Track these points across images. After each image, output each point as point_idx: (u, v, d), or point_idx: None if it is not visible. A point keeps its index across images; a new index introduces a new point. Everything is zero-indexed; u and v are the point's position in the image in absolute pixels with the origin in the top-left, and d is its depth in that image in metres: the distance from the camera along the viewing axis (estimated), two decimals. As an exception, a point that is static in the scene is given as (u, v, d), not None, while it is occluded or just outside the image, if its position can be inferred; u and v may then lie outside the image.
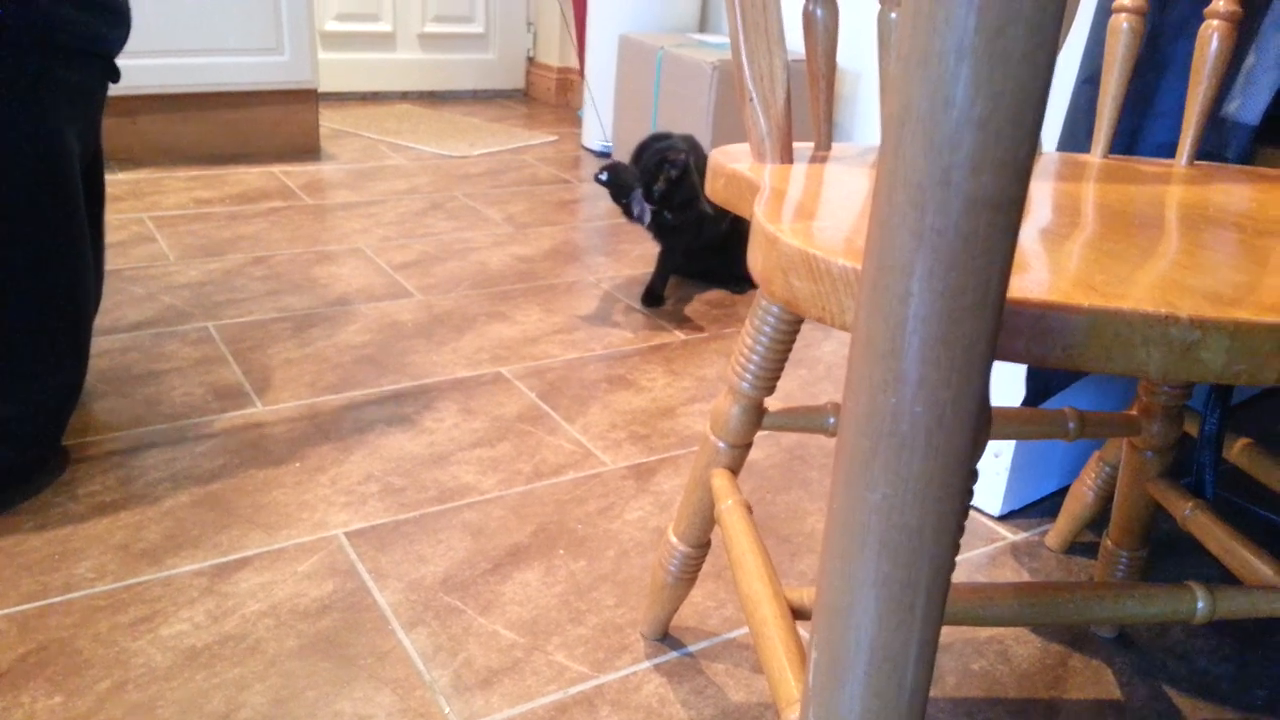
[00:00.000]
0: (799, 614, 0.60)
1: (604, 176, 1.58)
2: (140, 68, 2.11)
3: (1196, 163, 0.71)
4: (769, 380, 0.69)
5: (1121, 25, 0.69)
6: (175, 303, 1.50)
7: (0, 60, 0.92)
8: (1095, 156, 0.71)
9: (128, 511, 0.99)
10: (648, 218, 1.56)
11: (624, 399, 1.30)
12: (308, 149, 2.40)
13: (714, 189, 0.62)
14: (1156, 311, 0.34)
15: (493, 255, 1.81)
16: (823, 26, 0.65)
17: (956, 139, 0.26)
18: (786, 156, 0.61)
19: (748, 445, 0.74)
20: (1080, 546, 1.03)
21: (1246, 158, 0.76)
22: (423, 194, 2.16)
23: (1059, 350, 0.35)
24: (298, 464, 1.09)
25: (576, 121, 3.00)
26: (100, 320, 1.42)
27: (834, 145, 0.69)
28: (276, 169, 2.25)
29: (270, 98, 2.30)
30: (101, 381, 1.25)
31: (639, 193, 1.56)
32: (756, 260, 0.44)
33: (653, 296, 1.63)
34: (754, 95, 0.59)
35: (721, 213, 1.66)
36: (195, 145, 2.26)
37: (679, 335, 1.52)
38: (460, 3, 3.10)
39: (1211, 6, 0.67)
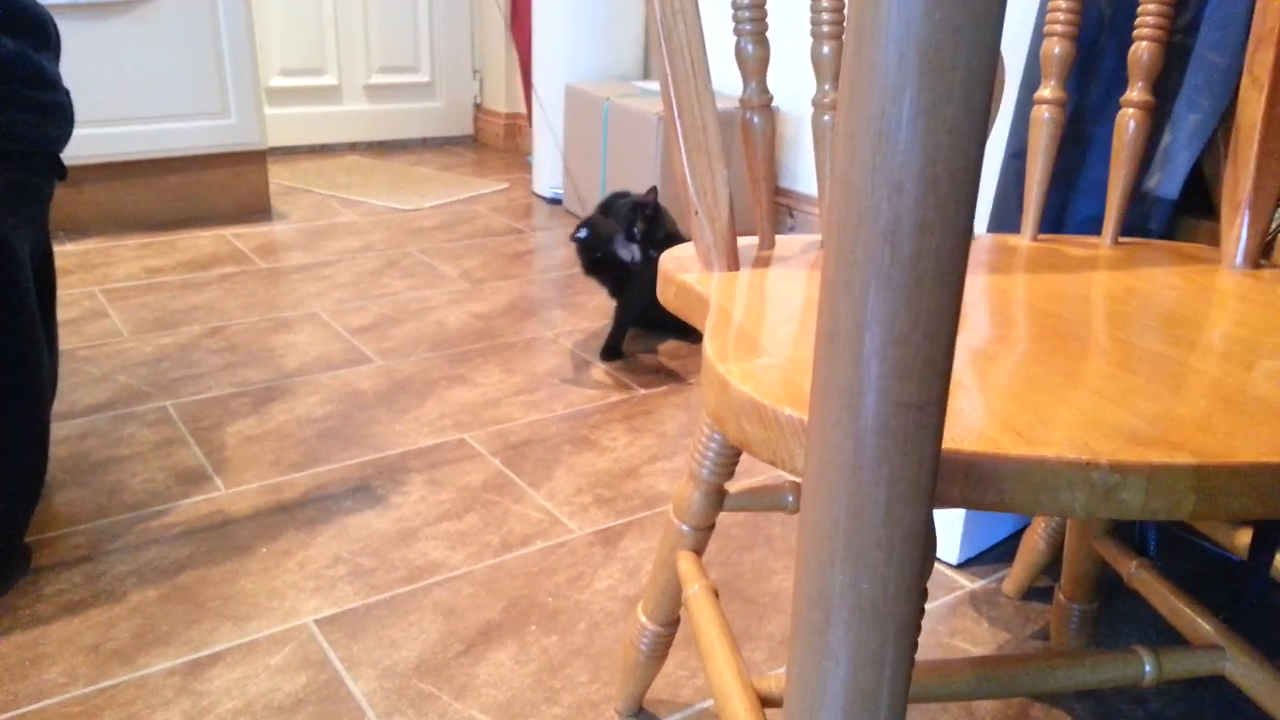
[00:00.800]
0: (768, 703, 0.62)
1: (582, 234, 1.61)
2: (85, 137, 2.10)
3: (1121, 240, 0.75)
4: (728, 467, 0.72)
5: (1043, 116, 0.73)
6: (132, 382, 1.49)
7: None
8: (1025, 239, 0.75)
9: (96, 610, 0.99)
10: (638, 256, 1.60)
11: (587, 461, 1.32)
12: (258, 209, 2.40)
13: (666, 296, 0.65)
14: (1078, 459, 0.37)
15: (450, 314, 1.82)
16: (760, 133, 0.68)
17: (881, 353, 0.28)
18: (733, 264, 0.64)
19: (711, 526, 0.76)
20: (1037, 591, 1.07)
21: (1169, 229, 0.81)
22: (377, 251, 2.17)
23: (992, 495, 0.38)
24: (264, 549, 1.10)
25: (526, 167, 3.02)
26: (56, 405, 1.41)
27: (777, 240, 0.72)
28: (228, 232, 2.24)
29: (218, 160, 2.30)
30: (61, 471, 1.24)
31: (620, 237, 1.59)
32: (709, 398, 0.46)
33: (611, 351, 1.65)
34: (699, 209, 0.62)
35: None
36: (144, 212, 2.25)
37: (638, 390, 1.55)
38: (405, 53, 3.11)
39: (1126, 96, 0.72)
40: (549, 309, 1.88)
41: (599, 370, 1.62)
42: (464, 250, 2.21)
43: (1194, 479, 0.37)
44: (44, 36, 1.03)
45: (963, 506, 0.38)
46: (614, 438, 1.39)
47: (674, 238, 1.67)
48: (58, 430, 1.34)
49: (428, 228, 2.37)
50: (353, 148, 3.13)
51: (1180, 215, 0.81)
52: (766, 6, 0.67)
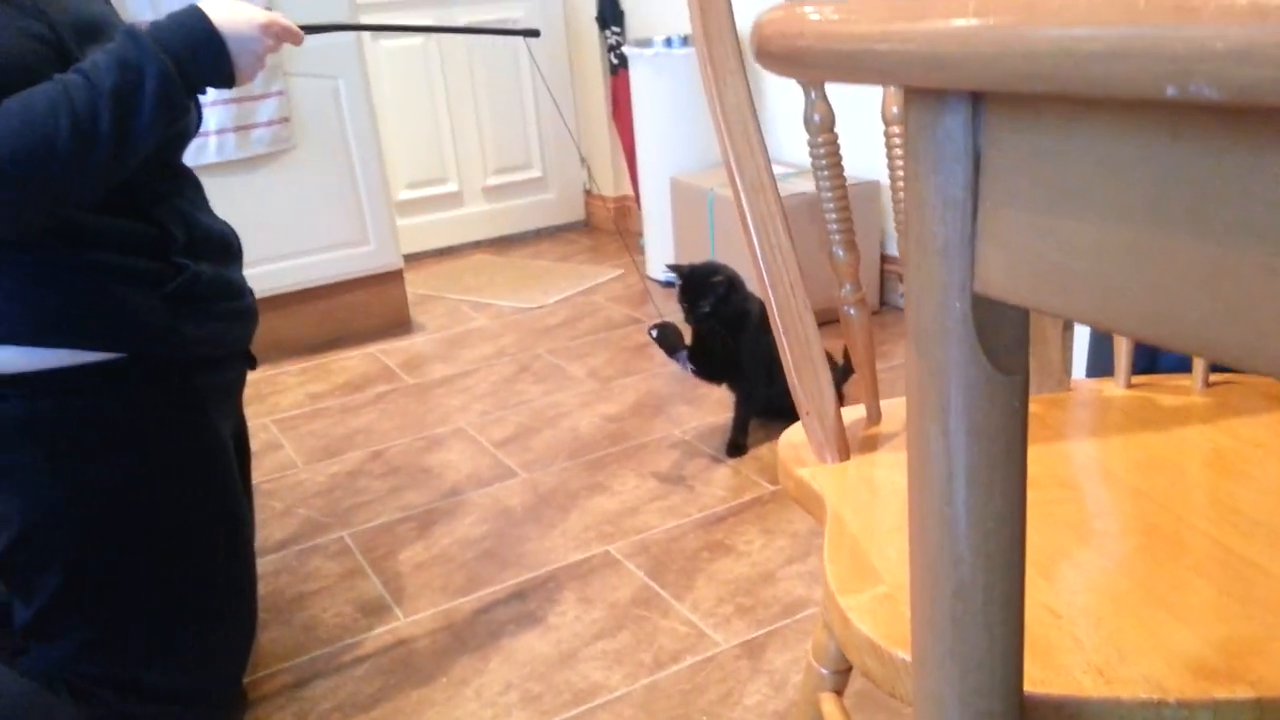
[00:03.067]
0: None
1: (654, 334, 1.72)
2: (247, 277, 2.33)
3: (1212, 380, 0.80)
4: (857, 619, 0.80)
5: (1122, 276, 0.79)
6: (311, 514, 1.66)
7: (167, 386, 1.09)
8: (1119, 387, 0.80)
9: (309, 748, 1.13)
10: (689, 369, 1.71)
11: (726, 567, 1.41)
12: (399, 322, 2.59)
13: (788, 487, 0.74)
14: (1150, 698, 0.44)
15: (582, 418, 1.95)
16: (858, 324, 0.77)
17: (960, 682, 0.37)
18: (844, 452, 0.73)
19: (849, 669, 0.84)
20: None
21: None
22: (509, 356, 2.32)
23: (1078, 731, 0.45)
24: (444, 679, 1.22)
25: (639, 249, 3.15)
26: (250, 543, 1.59)
27: (883, 411, 0.80)
28: (375, 349, 2.44)
29: (360, 284, 2.51)
30: (264, 610, 1.40)
31: (683, 353, 1.71)
32: (834, 624, 0.55)
33: (736, 447, 1.74)
34: (809, 410, 0.71)
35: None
36: (299, 336, 2.47)
37: (767, 486, 1.63)
38: (518, 153, 3.31)
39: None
40: (674, 404, 1.98)
41: (727, 467, 1.71)
42: (588, 347, 2.34)
43: (1254, 711, 0.44)
44: (229, 250, 1.20)
45: (1054, 742, 0.45)
46: (749, 540, 1.47)
47: (744, 321, 1.73)
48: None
49: (553, 325, 2.51)
50: (476, 246, 3.34)
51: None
52: (851, 218, 0.76)
